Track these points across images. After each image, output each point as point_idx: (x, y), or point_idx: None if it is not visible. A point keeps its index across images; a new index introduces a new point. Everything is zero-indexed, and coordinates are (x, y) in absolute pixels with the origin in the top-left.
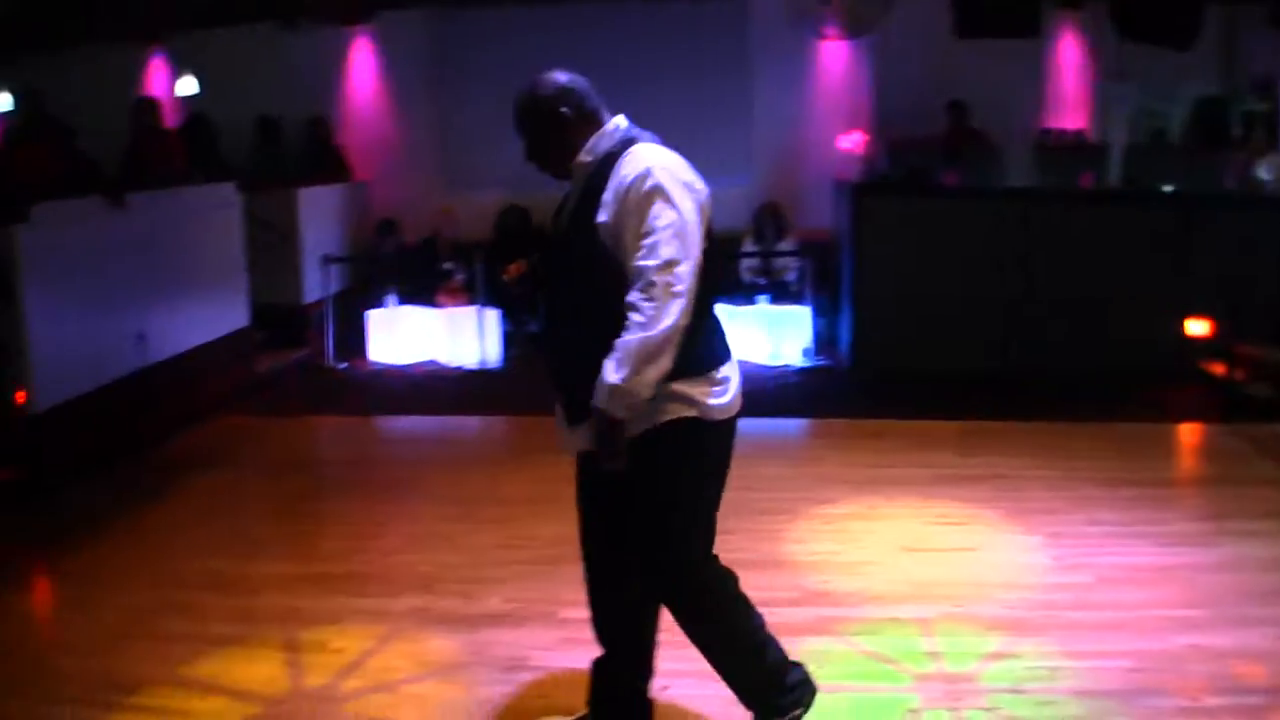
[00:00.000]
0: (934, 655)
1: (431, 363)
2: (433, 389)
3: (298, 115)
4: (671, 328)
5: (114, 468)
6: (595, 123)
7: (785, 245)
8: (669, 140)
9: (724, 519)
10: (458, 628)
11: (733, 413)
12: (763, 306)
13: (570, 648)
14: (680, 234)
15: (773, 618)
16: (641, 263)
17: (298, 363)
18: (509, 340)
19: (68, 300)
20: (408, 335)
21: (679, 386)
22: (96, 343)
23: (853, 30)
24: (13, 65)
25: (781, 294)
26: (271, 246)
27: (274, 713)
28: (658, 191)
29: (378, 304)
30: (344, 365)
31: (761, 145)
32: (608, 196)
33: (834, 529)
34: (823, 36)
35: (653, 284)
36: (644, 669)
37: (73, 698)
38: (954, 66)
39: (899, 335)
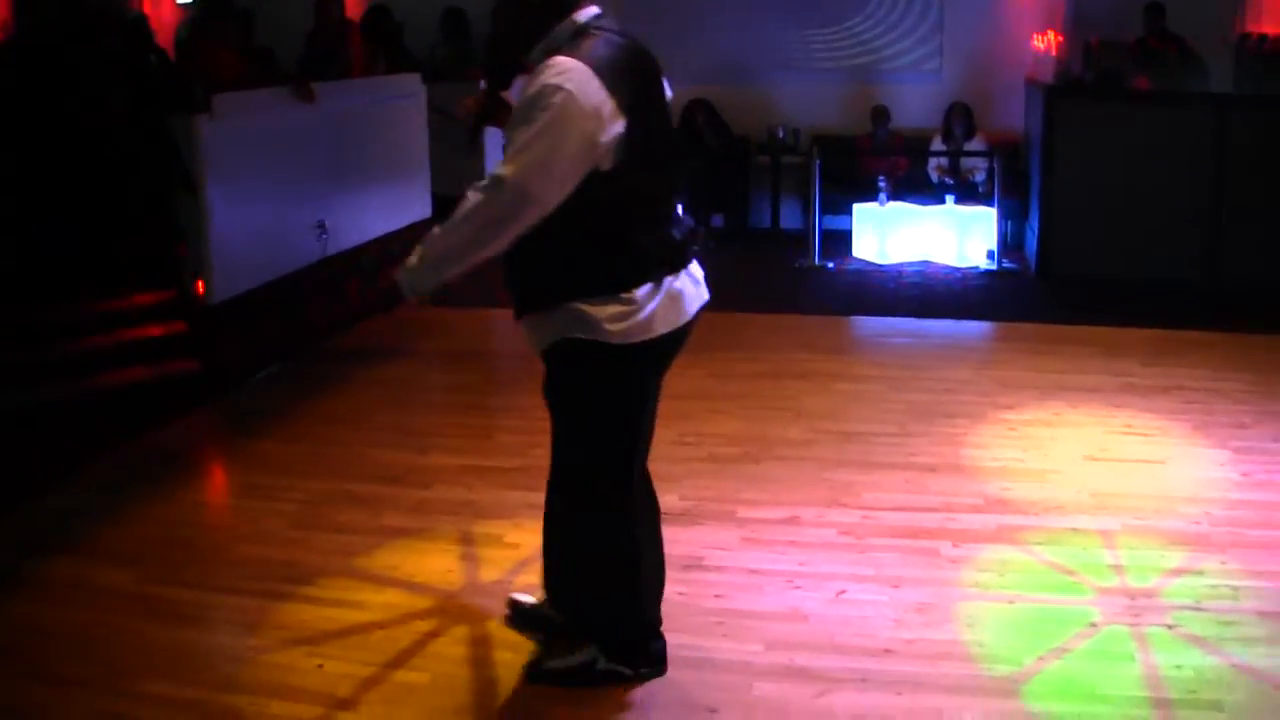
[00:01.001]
0: (1115, 568)
1: None
2: None
3: (485, 8)
4: (470, 235)
5: (292, 359)
6: (559, 17)
7: (974, 145)
8: (861, 34)
9: (905, 422)
10: None
11: (642, 337)
12: (949, 206)
13: (749, 547)
14: (542, 163)
15: (954, 523)
16: (496, 165)
17: None
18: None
19: (249, 191)
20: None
21: (578, 305)
22: (277, 234)
23: None
24: None
25: (968, 195)
26: (458, 137)
27: (448, 606)
28: (538, 101)
29: None
30: None
31: (953, 43)
32: (518, 105)
33: (1017, 435)
34: None
35: (481, 185)
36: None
37: (249, 588)
38: None
39: (1088, 240)
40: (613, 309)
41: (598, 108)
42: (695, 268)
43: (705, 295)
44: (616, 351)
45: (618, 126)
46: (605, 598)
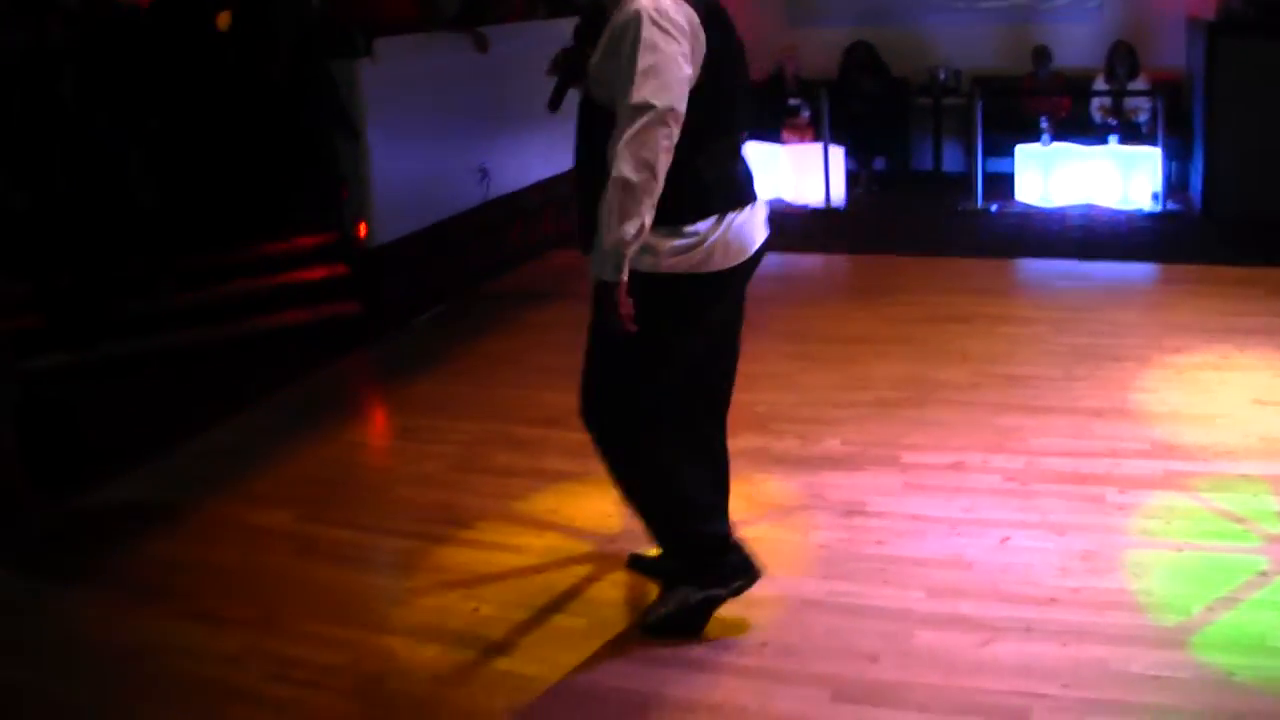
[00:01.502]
0: None
1: (777, 200)
2: (776, 225)
3: None
4: (631, 178)
5: (453, 302)
6: None
7: (1137, 85)
8: None
9: (1070, 366)
10: (795, 469)
11: (701, 269)
12: (1113, 147)
13: (911, 493)
14: (657, 75)
15: (1119, 469)
16: (619, 107)
17: None
18: (853, 179)
19: (411, 135)
20: (754, 168)
21: (655, 235)
22: (439, 178)
23: None
24: None
25: (1132, 135)
26: None
27: (607, 550)
28: (639, 34)
29: None
30: None
31: None
32: (603, 39)
33: (1184, 379)
34: None
35: (622, 131)
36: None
37: (407, 530)
38: None
39: (1254, 179)
40: (674, 241)
41: (683, 26)
42: (760, 205)
43: (767, 232)
44: (675, 282)
45: (701, 46)
46: (666, 524)
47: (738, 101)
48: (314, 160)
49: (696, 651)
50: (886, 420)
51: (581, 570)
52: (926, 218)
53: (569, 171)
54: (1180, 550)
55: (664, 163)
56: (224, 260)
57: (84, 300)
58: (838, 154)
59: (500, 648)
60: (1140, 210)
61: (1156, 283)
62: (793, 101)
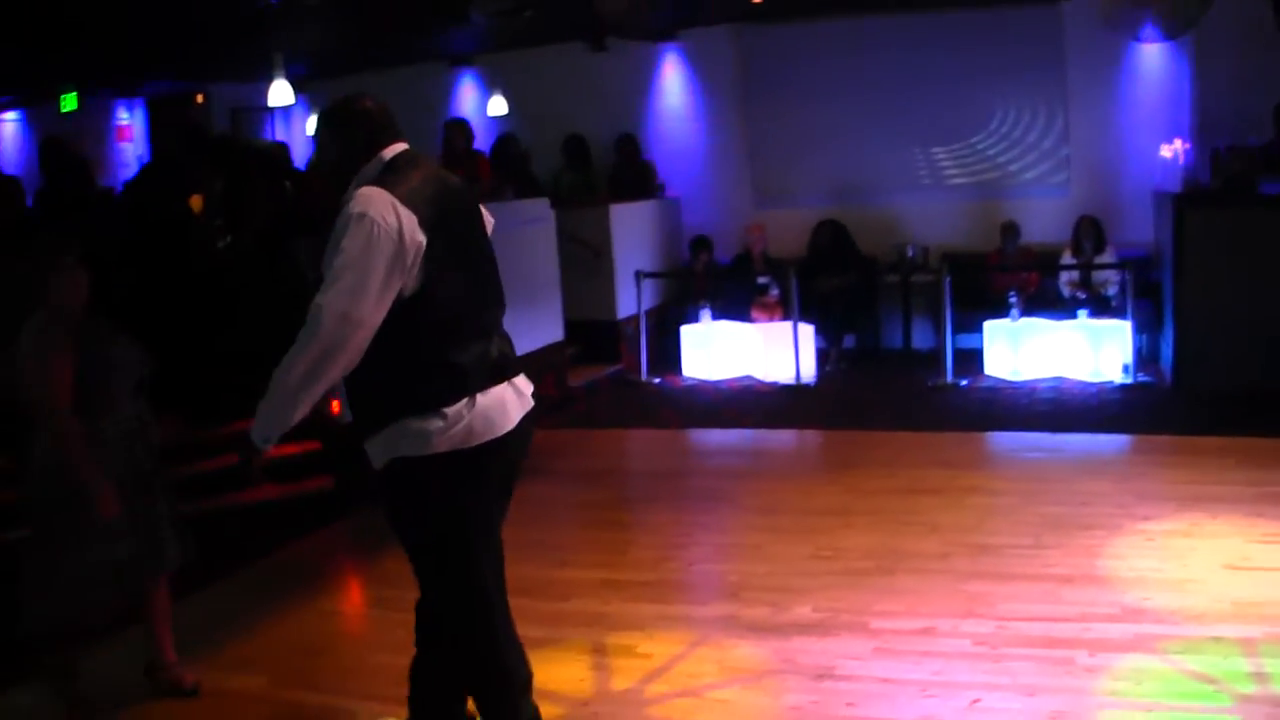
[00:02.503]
0: (1258, 676)
1: (746, 378)
2: (746, 403)
3: (606, 134)
4: (300, 377)
5: None
6: (368, 156)
7: (1105, 258)
8: (986, 150)
9: (1041, 534)
10: (766, 636)
11: (465, 445)
12: (1082, 321)
13: (882, 657)
14: (351, 285)
15: (1090, 633)
16: (313, 302)
17: (611, 377)
18: (823, 356)
19: None
20: (722, 351)
21: (406, 422)
22: None
23: (1172, 29)
24: (327, 89)
25: (1101, 308)
26: (584, 262)
27: (579, 714)
28: (344, 229)
29: (692, 319)
30: (658, 380)
31: (1078, 155)
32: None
33: (1155, 545)
34: (1139, 39)
35: (308, 326)
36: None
37: (381, 694)
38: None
39: (1225, 351)
40: (436, 423)
41: (398, 228)
42: (520, 380)
43: (529, 404)
44: (443, 462)
45: (419, 246)
46: (491, 704)
47: (482, 283)
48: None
49: None
50: (857, 588)
51: None
52: (897, 393)
53: (535, 351)
54: (1150, 711)
55: (334, 371)
56: (199, 435)
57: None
58: (807, 332)
59: None
60: (1111, 382)
61: (1128, 453)
62: (762, 280)
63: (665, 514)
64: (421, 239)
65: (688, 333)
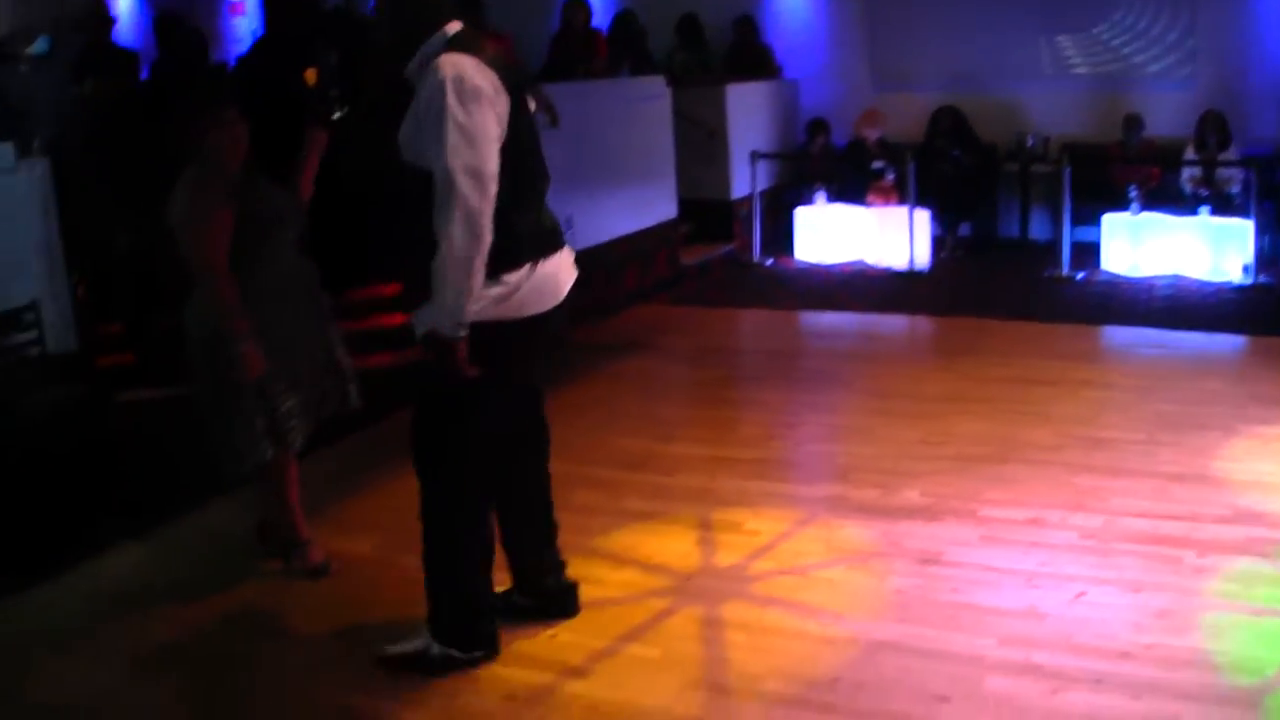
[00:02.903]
0: None
1: (859, 263)
2: (858, 288)
3: (724, 14)
4: (462, 243)
5: None
6: (432, 30)
7: (1229, 155)
8: (1110, 41)
9: (1154, 431)
10: (873, 518)
11: (514, 316)
12: (1203, 219)
13: (989, 545)
14: (468, 141)
15: (1199, 533)
16: (436, 173)
17: (723, 257)
18: (938, 243)
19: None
20: (836, 234)
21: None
22: None
23: None
24: None
25: (1223, 206)
26: (699, 142)
27: (683, 587)
28: (444, 102)
29: (806, 202)
30: (770, 262)
31: (1205, 48)
32: (414, 105)
33: (1270, 449)
34: None
35: (444, 199)
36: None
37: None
38: None
39: None
40: (491, 291)
41: (488, 85)
42: (566, 253)
43: (575, 274)
44: (492, 329)
45: (505, 102)
46: (443, 572)
47: (537, 152)
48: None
49: (769, 685)
50: (966, 475)
51: (658, 604)
52: (1012, 284)
53: (648, 229)
54: (1259, 615)
55: (486, 223)
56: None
57: (175, 339)
58: (923, 218)
59: (575, 672)
60: (1230, 282)
61: (1245, 354)
62: (878, 165)
63: (775, 393)
64: (506, 101)
65: (801, 215)
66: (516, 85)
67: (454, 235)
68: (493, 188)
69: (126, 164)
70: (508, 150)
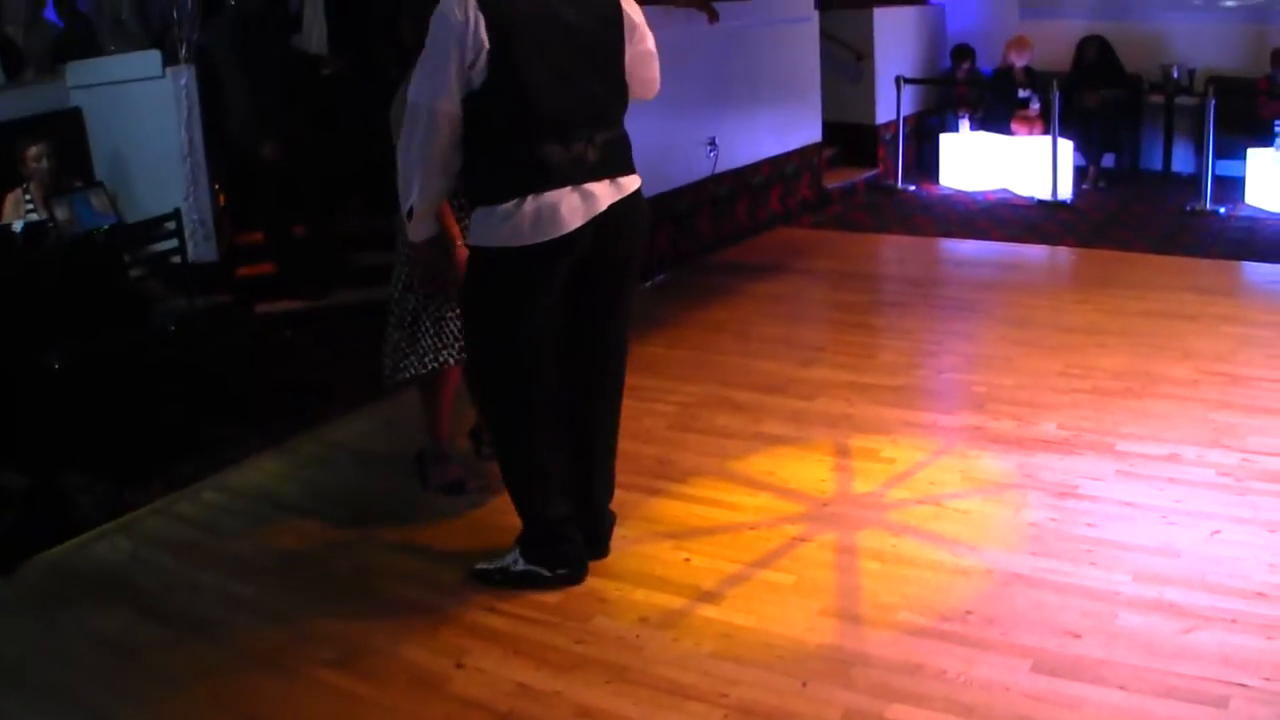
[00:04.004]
0: None
1: (1003, 192)
2: (1001, 216)
3: None
4: (405, 159)
5: (681, 269)
6: None
7: None
8: None
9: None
10: (1010, 449)
11: (515, 243)
12: None
13: (1125, 480)
14: (426, 72)
15: None
16: None
17: (867, 181)
18: (1081, 174)
19: (641, 104)
20: (980, 162)
21: (480, 210)
22: (668, 147)
23: None
24: None
25: None
26: (846, 65)
27: (819, 512)
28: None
29: (950, 128)
30: (913, 187)
31: None
32: None
33: None
34: None
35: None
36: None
37: (624, 482)
38: None
39: None
40: (490, 219)
41: (463, 23)
42: (600, 185)
43: (600, 207)
44: (496, 256)
45: (481, 44)
46: (515, 492)
47: (576, 89)
48: None
49: (901, 614)
50: (1104, 409)
51: (793, 530)
52: (1154, 216)
53: (792, 151)
54: None
55: (419, 154)
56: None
57: (315, 251)
58: (1066, 148)
59: (708, 596)
60: None
61: None
62: (1023, 93)
63: (915, 320)
64: (484, 38)
65: (946, 142)
66: (547, 21)
67: (398, 158)
68: (442, 123)
69: (270, 73)
70: (499, 81)
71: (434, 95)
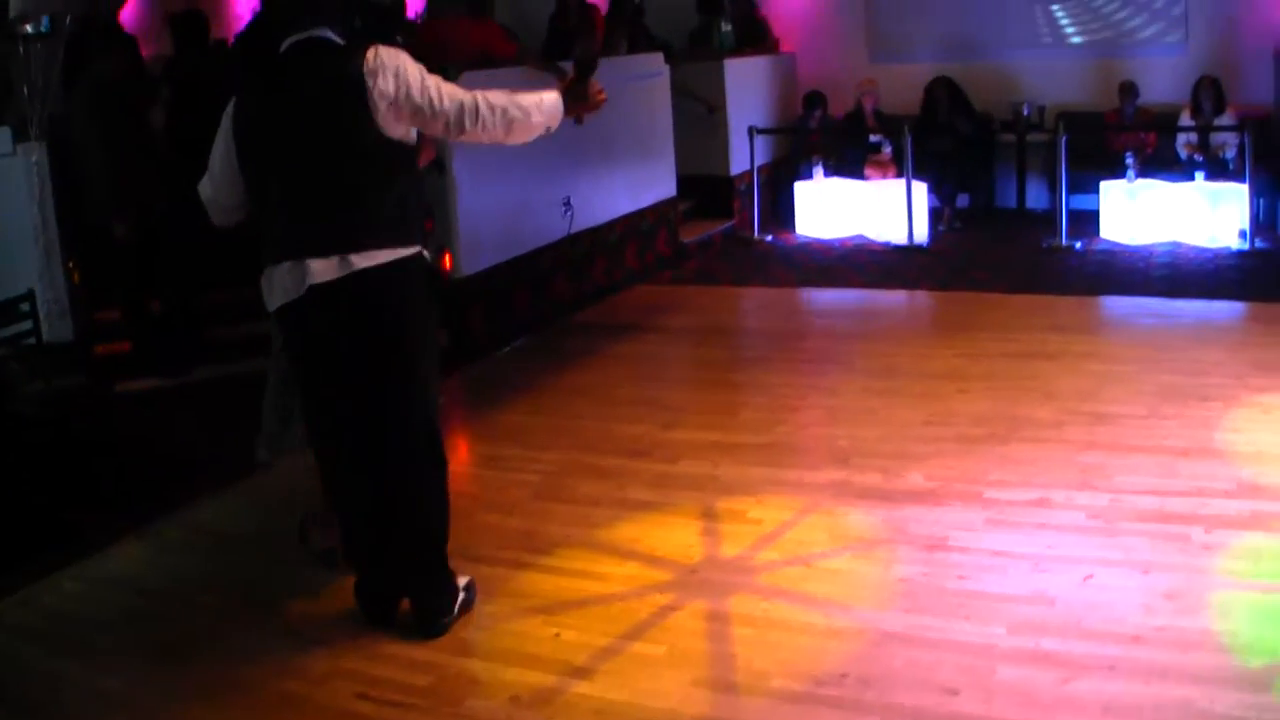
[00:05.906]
0: None
1: (859, 237)
2: (858, 263)
3: None
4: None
5: (538, 333)
6: None
7: (1224, 120)
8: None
9: (1157, 405)
10: (877, 503)
11: (274, 305)
12: (1199, 183)
13: (995, 529)
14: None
15: (1206, 509)
16: None
17: (723, 234)
18: (936, 215)
19: (494, 168)
20: (835, 209)
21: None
22: (523, 210)
23: None
24: None
25: (1219, 171)
26: (698, 118)
27: (688, 579)
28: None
29: (805, 176)
30: (770, 237)
31: (1198, 14)
32: None
33: (1272, 419)
34: None
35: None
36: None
37: (489, 556)
38: None
39: None
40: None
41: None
42: (310, 263)
43: (297, 294)
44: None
45: (229, 125)
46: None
47: (286, 167)
48: None
49: (776, 680)
50: (970, 456)
51: (662, 599)
52: (1011, 255)
53: (650, 207)
54: (1269, 592)
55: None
56: None
57: (173, 326)
58: (920, 190)
59: (580, 672)
60: (1227, 248)
61: (1244, 321)
62: (874, 138)
63: (777, 375)
64: (230, 121)
65: (801, 190)
66: (280, 87)
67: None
68: (214, 198)
69: (128, 146)
70: (243, 166)
71: (207, 179)
